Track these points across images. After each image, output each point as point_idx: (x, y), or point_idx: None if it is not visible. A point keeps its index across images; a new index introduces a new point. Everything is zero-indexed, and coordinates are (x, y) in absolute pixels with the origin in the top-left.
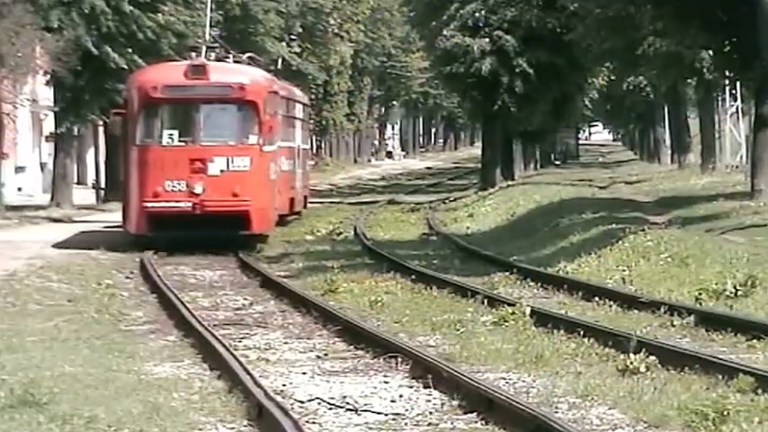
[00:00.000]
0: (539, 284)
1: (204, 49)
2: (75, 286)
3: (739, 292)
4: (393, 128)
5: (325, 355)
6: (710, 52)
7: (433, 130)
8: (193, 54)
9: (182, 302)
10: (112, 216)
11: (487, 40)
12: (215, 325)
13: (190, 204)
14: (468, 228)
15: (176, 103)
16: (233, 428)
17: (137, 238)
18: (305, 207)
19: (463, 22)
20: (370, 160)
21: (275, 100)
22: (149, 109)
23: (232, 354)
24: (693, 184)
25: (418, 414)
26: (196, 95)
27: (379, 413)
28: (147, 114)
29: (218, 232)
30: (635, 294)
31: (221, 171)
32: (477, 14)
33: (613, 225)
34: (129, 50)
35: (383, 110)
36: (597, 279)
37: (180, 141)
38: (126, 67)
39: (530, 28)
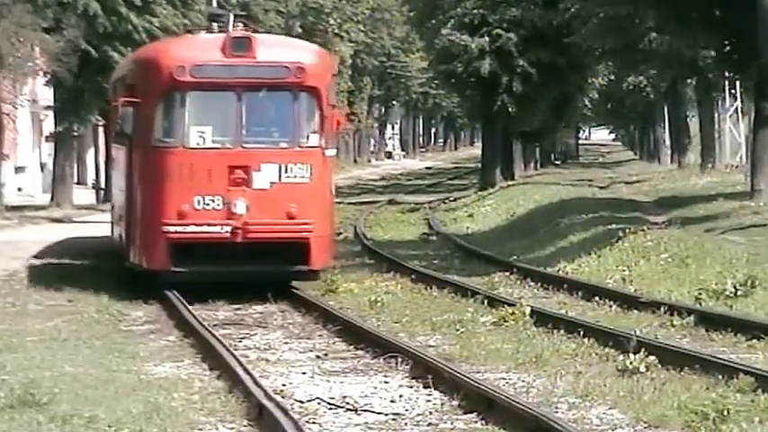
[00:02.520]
0: (539, 284)
1: (231, 17)
2: (76, 286)
3: (739, 292)
4: (393, 128)
5: (325, 355)
6: (710, 51)
7: (433, 130)
8: (215, 26)
9: (182, 302)
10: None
11: (487, 39)
12: (215, 325)
13: (228, 229)
14: (467, 228)
15: (211, 88)
16: (233, 428)
17: (150, 277)
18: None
19: (462, 20)
20: (369, 160)
21: (334, 86)
22: (173, 97)
23: (232, 354)
24: (693, 184)
25: (418, 414)
26: (238, 79)
27: (378, 413)
28: (170, 104)
29: (266, 268)
30: (635, 294)
31: (271, 183)
32: (475, 12)
33: (613, 225)
34: (130, 50)
35: (383, 110)
36: (597, 279)
37: (214, 142)
38: None
39: (531, 27)
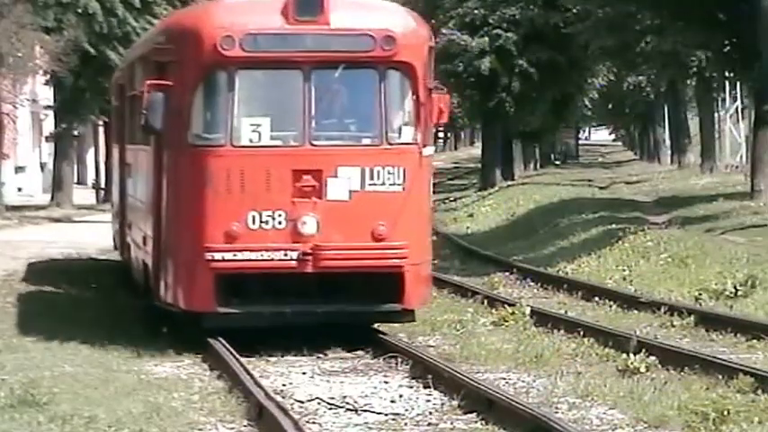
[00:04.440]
0: (539, 284)
1: None
2: (76, 286)
3: (739, 292)
4: None
5: (325, 354)
6: (710, 52)
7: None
8: None
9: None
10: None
11: (487, 38)
12: None
13: (294, 255)
14: (467, 228)
15: (268, 66)
16: (233, 428)
17: (188, 321)
18: None
19: (463, 20)
20: None
21: (432, 62)
22: (217, 78)
23: (232, 354)
24: (693, 185)
25: (418, 414)
26: (306, 53)
27: (378, 413)
28: (213, 88)
29: (344, 307)
30: (635, 294)
31: (351, 193)
32: (476, 12)
33: (613, 225)
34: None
35: None
36: (597, 279)
37: (274, 139)
38: None
39: (531, 26)
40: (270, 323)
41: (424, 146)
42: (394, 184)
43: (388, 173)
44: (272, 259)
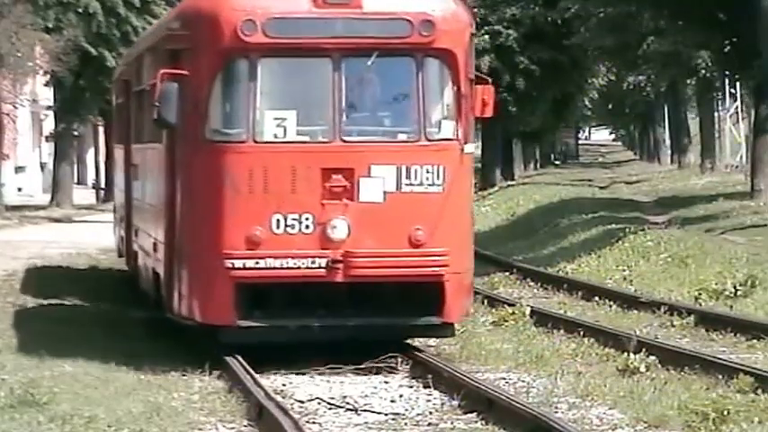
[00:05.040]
0: (539, 284)
1: None
2: (76, 286)
3: (739, 292)
4: None
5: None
6: (710, 52)
7: None
8: None
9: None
10: (112, 216)
11: (487, 37)
12: None
13: (322, 263)
14: None
15: (294, 53)
16: (233, 428)
17: (204, 336)
18: None
19: None
20: None
21: (473, 50)
22: (237, 66)
23: (233, 354)
24: (693, 184)
25: (418, 414)
26: (336, 39)
27: (378, 413)
28: (233, 78)
29: (377, 321)
30: (635, 294)
31: (386, 194)
32: (476, 11)
33: (613, 225)
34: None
35: None
36: (597, 279)
37: (301, 134)
38: None
39: (532, 25)
40: (295, 338)
41: (466, 142)
42: (433, 185)
43: (427, 172)
44: (299, 267)
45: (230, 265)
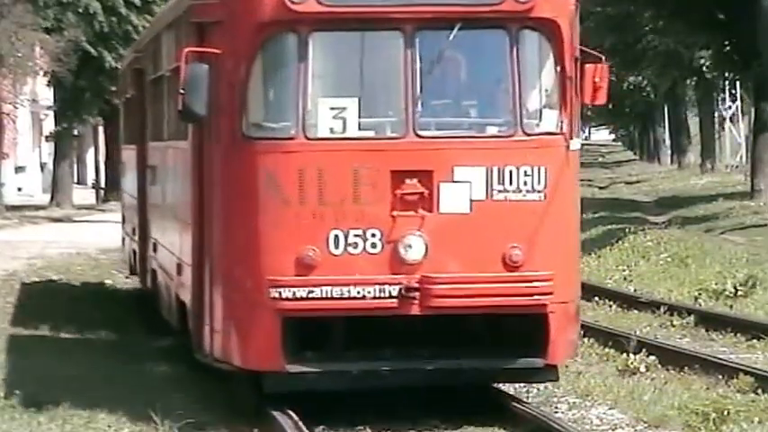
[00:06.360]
0: None
1: None
2: (76, 286)
3: (739, 292)
4: None
5: None
6: (710, 52)
7: None
8: None
9: None
10: (112, 216)
11: None
12: None
13: (394, 292)
14: None
15: (355, 26)
16: (233, 428)
17: (245, 384)
18: None
19: None
20: None
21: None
22: (283, 43)
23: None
24: (693, 185)
25: None
26: (408, 9)
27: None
28: (278, 58)
29: (464, 364)
30: (635, 294)
31: (473, 203)
32: None
33: (613, 225)
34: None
35: None
36: (597, 279)
37: (364, 128)
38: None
39: None
40: (358, 385)
41: (572, 136)
42: (532, 190)
43: (525, 174)
44: (363, 297)
45: (276, 296)
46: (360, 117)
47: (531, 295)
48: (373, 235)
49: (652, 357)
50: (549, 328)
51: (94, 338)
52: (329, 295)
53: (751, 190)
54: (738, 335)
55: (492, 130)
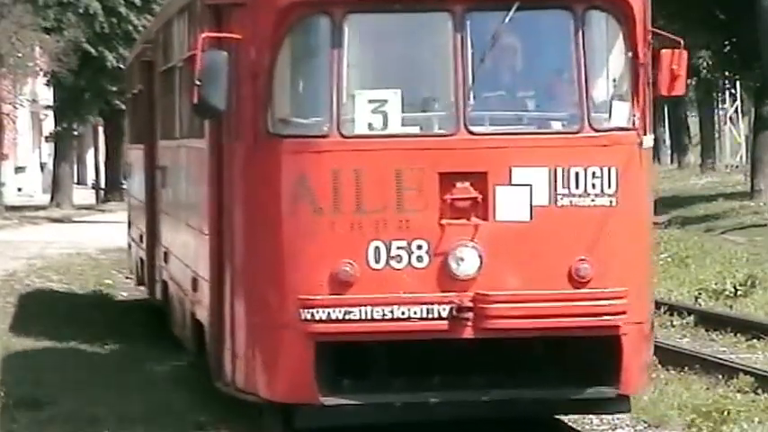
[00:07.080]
0: None
1: None
2: (76, 286)
3: (739, 292)
4: None
5: None
6: (710, 52)
7: None
8: None
9: None
10: (112, 216)
11: None
12: None
13: (443, 312)
14: None
15: (396, 7)
16: (233, 428)
17: (267, 411)
18: None
19: None
20: None
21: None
22: (313, 27)
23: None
24: (693, 184)
25: None
26: None
27: None
28: (307, 44)
29: (525, 394)
30: None
31: (534, 209)
32: None
33: None
34: (129, 51)
35: None
36: None
37: (407, 124)
38: (123, 67)
39: None
40: (403, 418)
41: (645, 132)
42: (602, 195)
43: (593, 176)
44: (408, 318)
45: (308, 317)
46: (403, 112)
47: (602, 315)
48: (419, 247)
49: (652, 357)
50: (623, 352)
51: (95, 339)
52: (369, 316)
53: (751, 190)
54: (738, 335)
55: (555, 126)
